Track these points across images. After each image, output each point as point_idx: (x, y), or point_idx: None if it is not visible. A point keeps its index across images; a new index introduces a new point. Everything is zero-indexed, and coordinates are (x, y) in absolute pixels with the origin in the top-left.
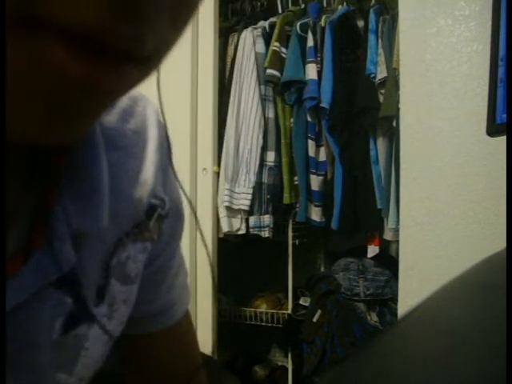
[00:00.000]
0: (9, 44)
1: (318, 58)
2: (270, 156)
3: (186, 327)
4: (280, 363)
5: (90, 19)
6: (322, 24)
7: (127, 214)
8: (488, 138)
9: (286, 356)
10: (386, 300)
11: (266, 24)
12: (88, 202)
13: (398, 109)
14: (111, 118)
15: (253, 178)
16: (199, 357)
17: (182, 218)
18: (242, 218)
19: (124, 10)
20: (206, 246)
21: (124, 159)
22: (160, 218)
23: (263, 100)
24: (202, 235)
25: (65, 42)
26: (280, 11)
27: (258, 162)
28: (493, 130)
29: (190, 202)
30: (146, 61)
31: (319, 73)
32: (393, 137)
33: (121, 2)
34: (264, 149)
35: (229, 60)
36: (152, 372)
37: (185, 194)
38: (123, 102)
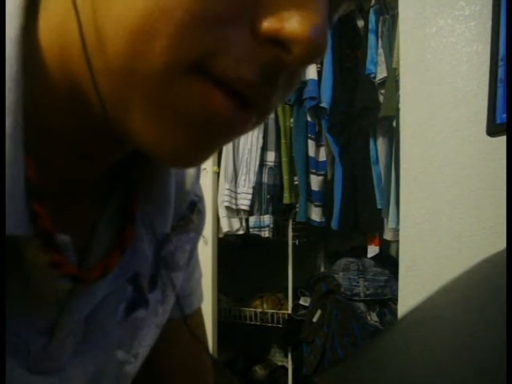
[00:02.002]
0: (178, 83)
1: None
2: (270, 156)
3: (199, 322)
4: (280, 363)
5: (247, 79)
6: None
7: (177, 210)
8: (488, 137)
9: (286, 356)
10: (386, 300)
11: None
12: (160, 209)
13: (398, 109)
14: None
15: (253, 177)
16: (208, 353)
17: (205, 215)
18: (242, 218)
19: (269, 77)
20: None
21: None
22: (199, 212)
23: None
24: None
25: (223, 92)
26: None
27: (257, 162)
28: (493, 130)
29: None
30: (266, 112)
31: (319, 73)
32: (393, 137)
33: (269, 72)
34: (264, 149)
35: None
36: (162, 360)
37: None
38: None
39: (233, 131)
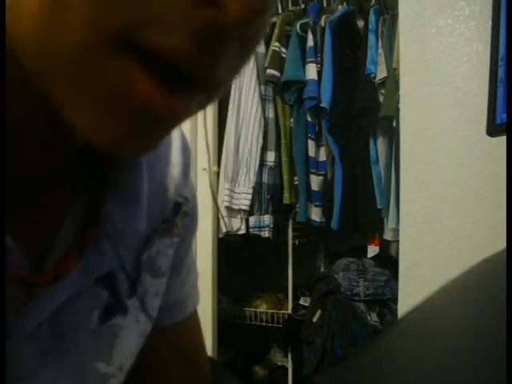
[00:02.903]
0: (99, 63)
1: (318, 58)
2: (270, 156)
3: (194, 326)
4: (280, 363)
5: (178, 46)
6: (322, 24)
7: (157, 212)
8: (488, 137)
9: (286, 356)
10: (386, 300)
11: None
12: (130, 206)
13: (398, 109)
14: None
15: (253, 178)
16: (206, 358)
17: (197, 217)
18: (242, 218)
19: (206, 43)
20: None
21: (154, 161)
22: (184, 215)
23: (263, 100)
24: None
25: (148, 71)
26: (280, 11)
27: (257, 162)
28: (493, 130)
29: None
30: (213, 89)
31: (319, 73)
32: (393, 137)
33: (205, 37)
34: (264, 149)
35: None
36: (157, 367)
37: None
38: None
39: (171, 117)
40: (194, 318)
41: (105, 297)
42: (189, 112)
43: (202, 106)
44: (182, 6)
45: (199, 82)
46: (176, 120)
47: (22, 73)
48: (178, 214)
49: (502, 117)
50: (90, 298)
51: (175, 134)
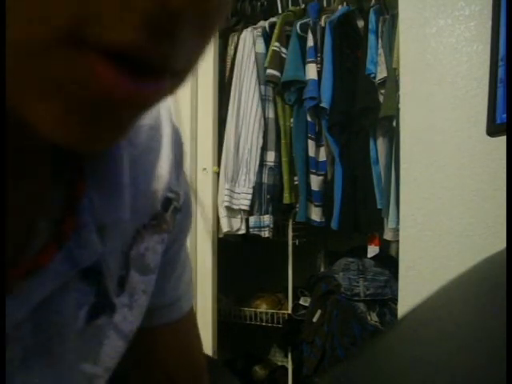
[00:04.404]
0: (57, 59)
1: (318, 58)
2: (270, 156)
3: (190, 325)
4: (280, 363)
5: (128, 39)
6: (322, 24)
7: (145, 206)
8: (488, 137)
9: (286, 356)
10: (386, 300)
11: (265, 24)
12: (111, 196)
13: (398, 109)
14: None
15: (253, 177)
16: (203, 357)
17: (191, 214)
18: (242, 218)
19: (158, 29)
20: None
21: (142, 154)
22: (175, 211)
23: (263, 100)
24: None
25: (108, 60)
26: (280, 11)
27: (258, 162)
28: (493, 130)
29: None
30: (178, 74)
31: (319, 73)
32: (393, 137)
33: (155, 23)
34: (264, 149)
35: (229, 60)
36: (154, 367)
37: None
38: None
39: (138, 105)
40: (190, 317)
41: (91, 294)
42: (156, 97)
43: (171, 91)
44: None
45: (160, 68)
46: (141, 107)
47: None
48: (167, 210)
49: (501, 117)
50: (76, 295)
51: (167, 128)
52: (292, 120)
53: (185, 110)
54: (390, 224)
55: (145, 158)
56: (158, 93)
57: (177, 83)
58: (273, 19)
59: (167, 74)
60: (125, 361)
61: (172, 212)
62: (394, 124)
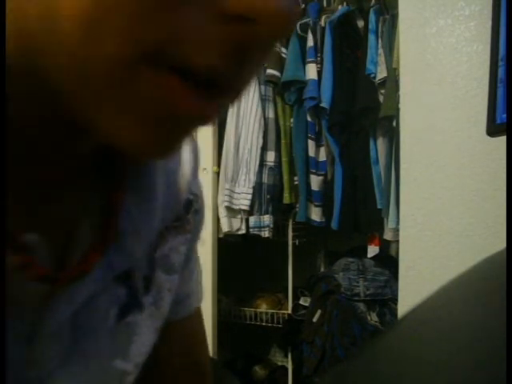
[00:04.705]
0: (140, 77)
1: (318, 58)
2: (270, 156)
3: (197, 325)
4: (280, 363)
5: (212, 64)
6: (322, 24)
7: (169, 209)
8: (488, 137)
9: (286, 356)
10: (386, 300)
11: None
12: (146, 202)
13: (398, 109)
14: None
15: (253, 178)
16: (207, 356)
17: (204, 214)
18: (242, 218)
19: (239, 57)
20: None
21: (168, 161)
22: (195, 212)
23: (263, 100)
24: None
25: (182, 78)
26: None
27: (257, 162)
28: (493, 130)
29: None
30: (235, 93)
31: (319, 73)
32: (393, 137)
33: (238, 52)
34: (264, 149)
35: None
36: (159, 363)
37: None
38: None
39: (200, 121)
40: (197, 316)
41: (122, 294)
42: (217, 114)
43: (224, 108)
44: (216, 23)
45: (225, 87)
46: (205, 122)
47: (43, 83)
48: (189, 211)
49: (501, 117)
50: (109, 295)
51: None
52: (292, 120)
53: None
54: (390, 224)
55: (169, 163)
56: (219, 108)
57: (231, 101)
58: None
59: (229, 93)
60: None
61: (192, 213)
62: (394, 124)
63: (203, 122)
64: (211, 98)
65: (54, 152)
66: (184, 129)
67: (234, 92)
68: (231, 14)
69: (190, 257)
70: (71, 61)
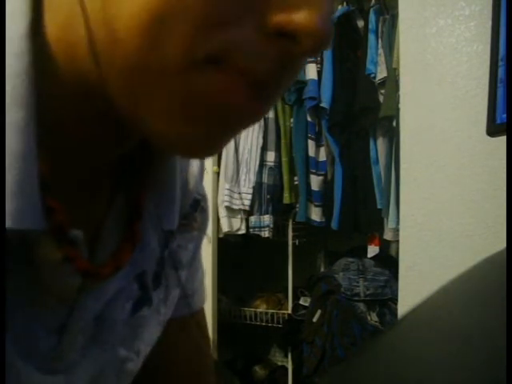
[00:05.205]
0: (199, 75)
1: (318, 58)
2: (270, 156)
3: (201, 322)
4: (280, 363)
5: (264, 69)
6: None
7: (180, 209)
8: (488, 137)
9: (286, 356)
10: (386, 300)
11: None
12: (168, 203)
13: (398, 109)
14: None
15: (253, 178)
16: (211, 354)
17: (209, 214)
18: (242, 218)
19: (280, 70)
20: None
21: (178, 162)
22: (202, 211)
23: None
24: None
25: (237, 80)
26: None
27: (258, 162)
28: (493, 130)
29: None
30: (273, 100)
31: (319, 73)
32: (393, 137)
33: (280, 66)
34: (264, 149)
35: None
36: (163, 359)
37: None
38: None
39: (249, 120)
40: (200, 315)
41: (136, 290)
42: (261, 116)
43: (266, 113)
44: (262, 38)
45: (271, 91)
46: (250, 122)
47: (87, 86)
48: (196, 210)
49: (501, 117)
50: (127, 291)
51: None
52: (292, 120)
53: None
54: (390, 224)
55: (180, 164)
56: (265, 111)
57: (272, 105)
58: None
59: (274, 97)
60: None
61: (199, 212)
62: (394, 124)
63: (251, 121)
64: (259, 99)
65: (96, 152)
66: (233, 127)
67: (276, 96)
68: (275, 29)
69: (196, 255)
70: (128, 64)
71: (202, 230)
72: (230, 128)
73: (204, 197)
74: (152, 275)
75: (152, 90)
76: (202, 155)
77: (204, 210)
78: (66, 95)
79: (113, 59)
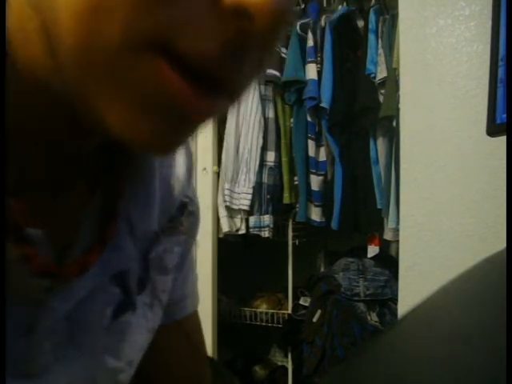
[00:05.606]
0: (134, 64)
1: (318, 58)
2: (270, 156)
3: (194, 325)
4: (280, 363)
5: (208, 52)
6: (322, 24)
7: (164, 210)
8: (488, 137)
9: (286, 356)
10: (385, 300)
11: None
12: (145, 204)
13: (398, 109)
14: None
15: (253, 177)
16: (206, 359)
17: (199, 217)
18: (242, 218)
19: (235, 49)
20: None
21: (163, 162)
22: (190, 215)
23: (263, 100)
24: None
25: (180, 68)
26: None
27: (258, 162)
28: (493, 130)
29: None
30: (236, 91)
31: (319, 73)
32: (393, 137)
33: (233, 42)
34: (264, 149)
35: None
36: (156, 366)
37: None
38: None
39: (199, 117)
40: (193, 318)
41: (117, 294)
42: (214, 113)
43: (224, 109)
44: (214, 16)
45: (224, 85)
46: (202, 120)
47: (46, 81)
48: (183, 214)
49: (501, 117)
50: (105, 294)
51: None
52: (292, 120)
53: None
54: (389, 224)
55: (165, 166)
56: (217, 107)
57: (231, 101)
58: None
59: (227, 92)
60: None
61: (187, 215)
62: (394, 124)
63: (201, 118)
64: (209, 95)
65: (59, 151)
66: (182, 123)
67: (233, 92)
68: (227, 7)
69: (185, 259)
70: (72, 53)
71: (191, 234)
72: (178, 125)
73: (192, 200)
74: (136, 279)
75: (99, 78)
76: (154, 153)
77: (192, 214)
78: (27, 93)
79: (60, 48)
